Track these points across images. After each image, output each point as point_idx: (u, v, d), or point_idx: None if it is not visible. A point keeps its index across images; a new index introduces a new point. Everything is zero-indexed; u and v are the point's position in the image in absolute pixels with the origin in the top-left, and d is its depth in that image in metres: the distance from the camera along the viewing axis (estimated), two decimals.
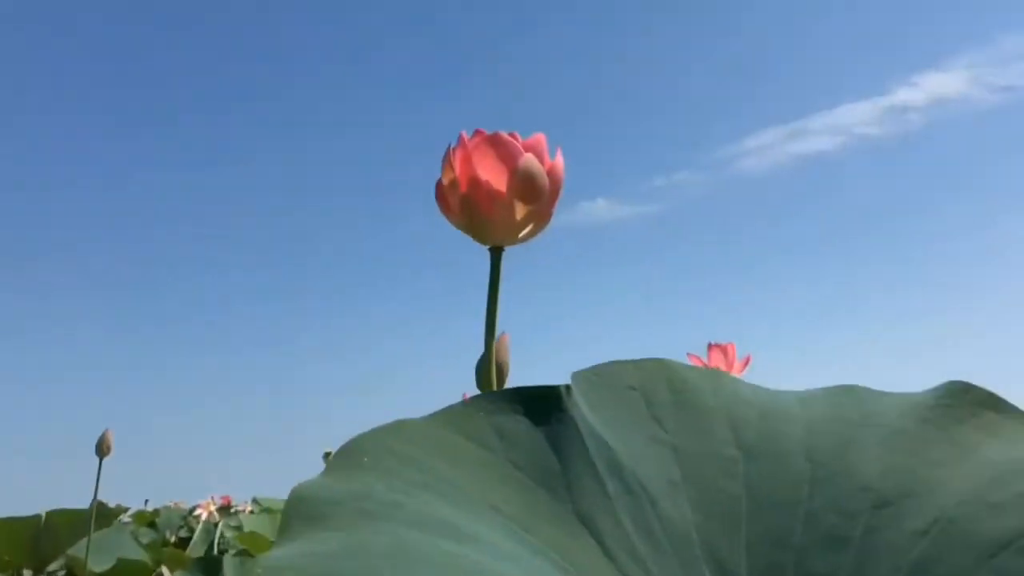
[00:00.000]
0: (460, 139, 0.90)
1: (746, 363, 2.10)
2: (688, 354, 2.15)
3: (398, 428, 0.60)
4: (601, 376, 0.63)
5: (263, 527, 2.14)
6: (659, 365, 0.65)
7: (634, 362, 0.65)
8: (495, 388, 1.07)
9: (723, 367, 2.07)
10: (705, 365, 2.11)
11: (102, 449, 1.92)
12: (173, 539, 3.48)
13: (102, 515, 1.91)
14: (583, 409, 0.60)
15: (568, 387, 0.62)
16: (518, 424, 0.59)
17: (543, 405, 0.60)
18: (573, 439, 0.58)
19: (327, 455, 3.00)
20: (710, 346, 2.10)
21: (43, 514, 2.00)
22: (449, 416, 0.61)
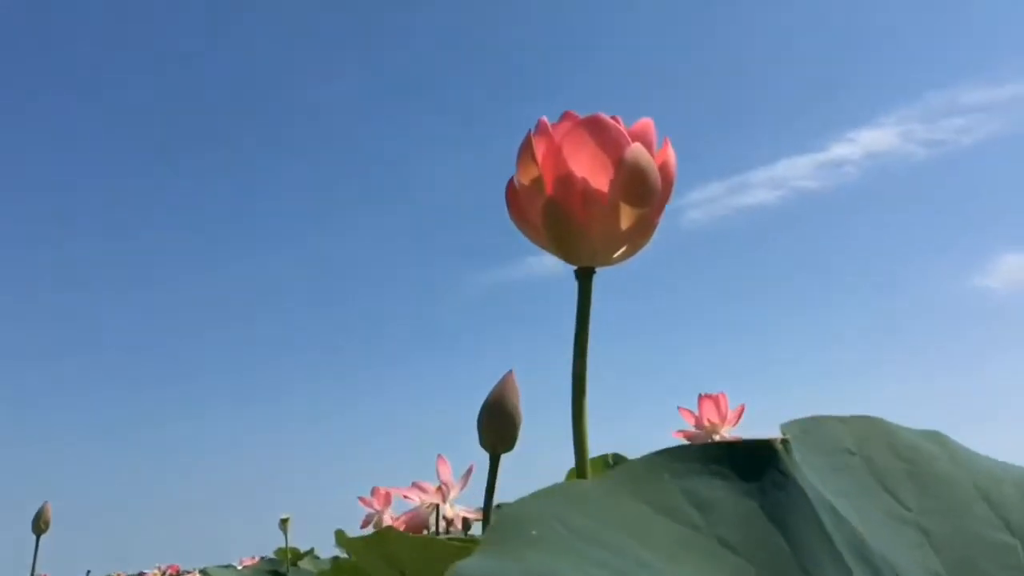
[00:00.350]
0: (540, 125, 0.71)
1: (740, 414, 1.97)
2: (679, 407, 2.02)
3: (563, 494, 0.46)
4: (809, 434, 0.50)
5: None
6: (871, 424, 0.52)
7: (841, 419, 0.53)
8: (505, 443, 0.88)
9: (716, 419, 1.95)
10: (697, 418, 1.97)
11: (39, 525, 1.69)
12: None
13: None
14: (805, 472, 0.47)
15: (786, 442, 0.48)
16: (718, 490, 0.46)
17: (751, 466, 0.47)
18: (802, 511, 0.45)
19: (284, 521, 2.78)
20: (701, 397, 1.97)
21: None
22: (623, 479, 0.48)
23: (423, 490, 1.83)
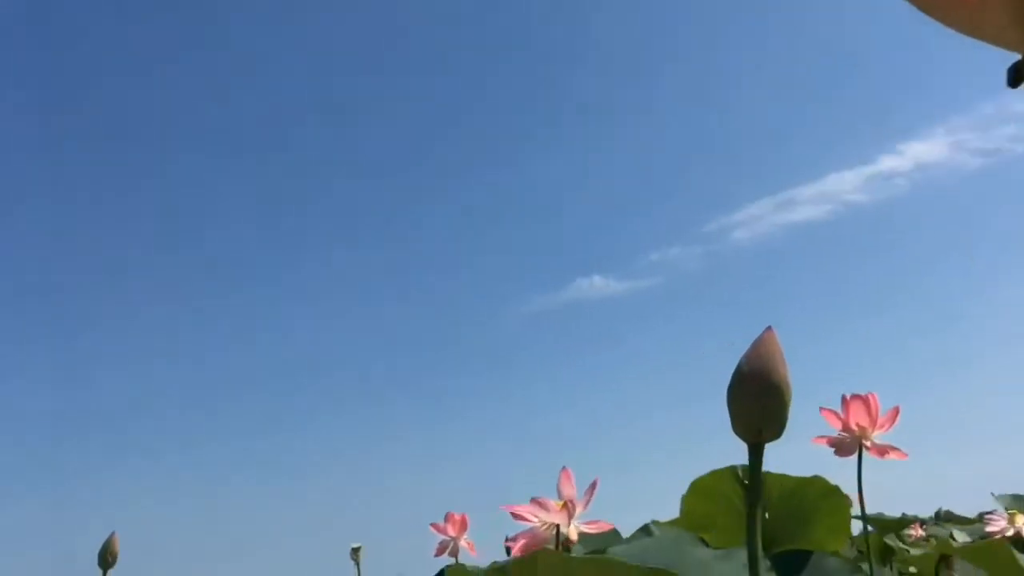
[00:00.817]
0: None
1: (894, 417, 1.75)
2: (821, 408, 1.80)
3: None
4: None
5: None
6: None
7: None
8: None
9: (865, 422, 1.72)
10: (843, 421, 1.75)
11: (106, 558, 1.48)
12: None
13: None
14: None
15: None
16: None
17: None
18: None
19: (355, 551, 2.55)
20: (847, 399, 1.74)
21: None
22: None
23: (544, 508, 1.57)
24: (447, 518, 2.63)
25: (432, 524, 2.63)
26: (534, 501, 1.58)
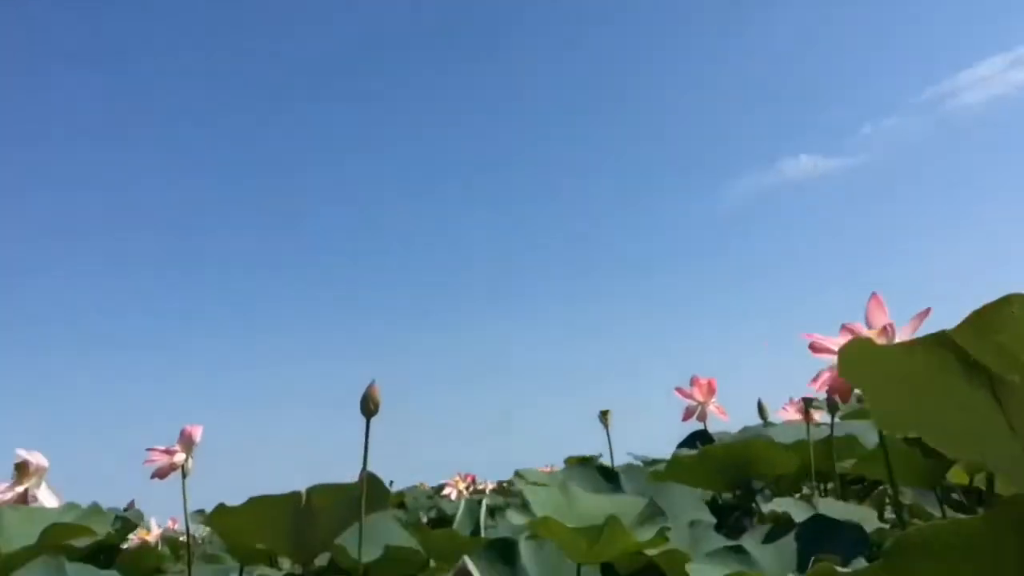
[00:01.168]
0: None
1: None
2: None
3: None
4: None
5: (557, 510, 1.53)
6: None
7: None
8: None
9: None
10: None
11: (368, 406, 1.41)
12: (425, 521, 3.01)
13: (374, 492, 1.38)
14: None
15: None
16: None
17: None
18: None
19: (604, 414, 2.42)
20: None
21: (303, 492, 1.49)
22: None
23: (855, 334, 1.31)
24: (693, 382, 2.44)
25: (677, 389, 2.46)
26: (845, 328, 1.34)
